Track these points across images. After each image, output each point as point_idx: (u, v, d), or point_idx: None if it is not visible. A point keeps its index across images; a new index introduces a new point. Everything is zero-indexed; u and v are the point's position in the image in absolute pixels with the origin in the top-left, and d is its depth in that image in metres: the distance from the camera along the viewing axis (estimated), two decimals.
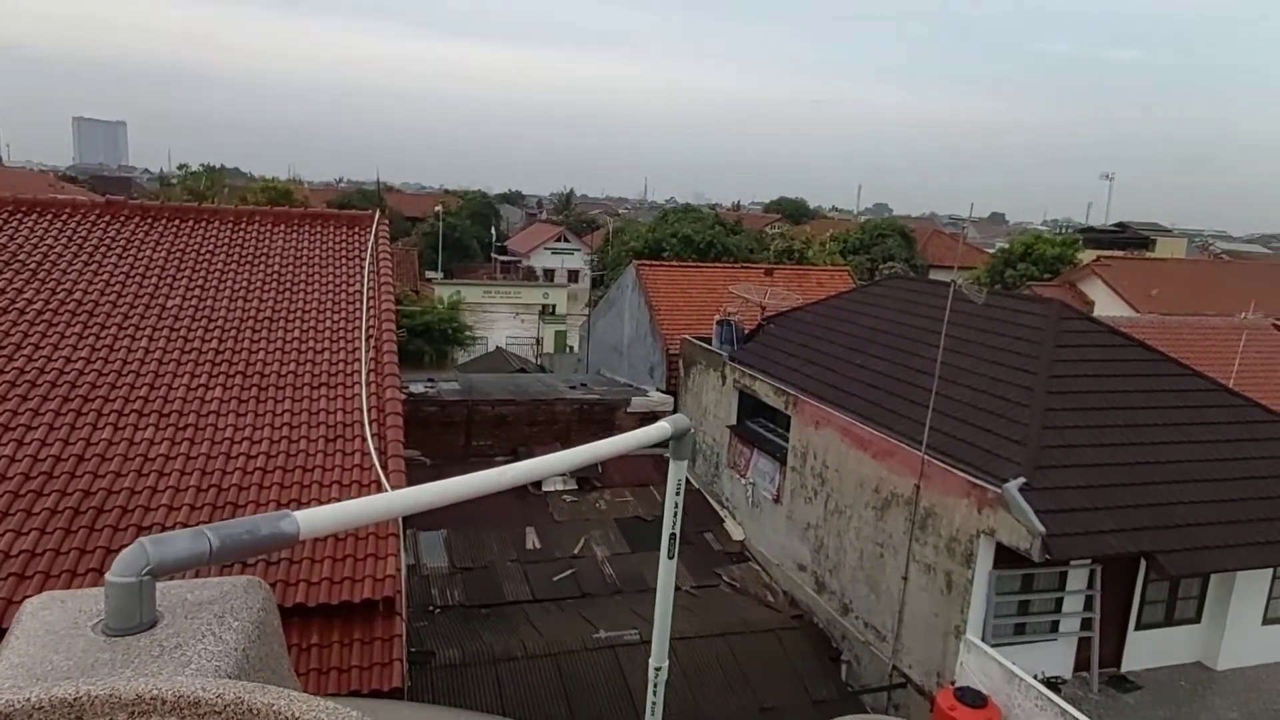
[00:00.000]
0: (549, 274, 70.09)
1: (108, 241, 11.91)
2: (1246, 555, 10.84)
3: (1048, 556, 9.77)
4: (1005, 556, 10.64)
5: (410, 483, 7.07)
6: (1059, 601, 11.60)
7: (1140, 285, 35.09)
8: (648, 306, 24.23)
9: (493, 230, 77.11)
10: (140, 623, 1.86)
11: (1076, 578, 11.51)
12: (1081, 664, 11.68)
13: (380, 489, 8.18)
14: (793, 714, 12.14)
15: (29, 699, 1.37)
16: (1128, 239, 58.19)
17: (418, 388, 19.63)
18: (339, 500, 7.64)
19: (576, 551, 15.91)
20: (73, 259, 11.29)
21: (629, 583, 14.98)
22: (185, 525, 7.42)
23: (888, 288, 17.77)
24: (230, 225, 13.12)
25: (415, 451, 16.95)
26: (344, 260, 12.80)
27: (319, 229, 13.58)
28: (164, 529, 7.40)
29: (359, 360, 10.38)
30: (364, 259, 12.77)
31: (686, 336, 20.30)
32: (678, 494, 4.29)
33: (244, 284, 11.66)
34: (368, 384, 9.94)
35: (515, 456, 18.20)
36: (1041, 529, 9.70)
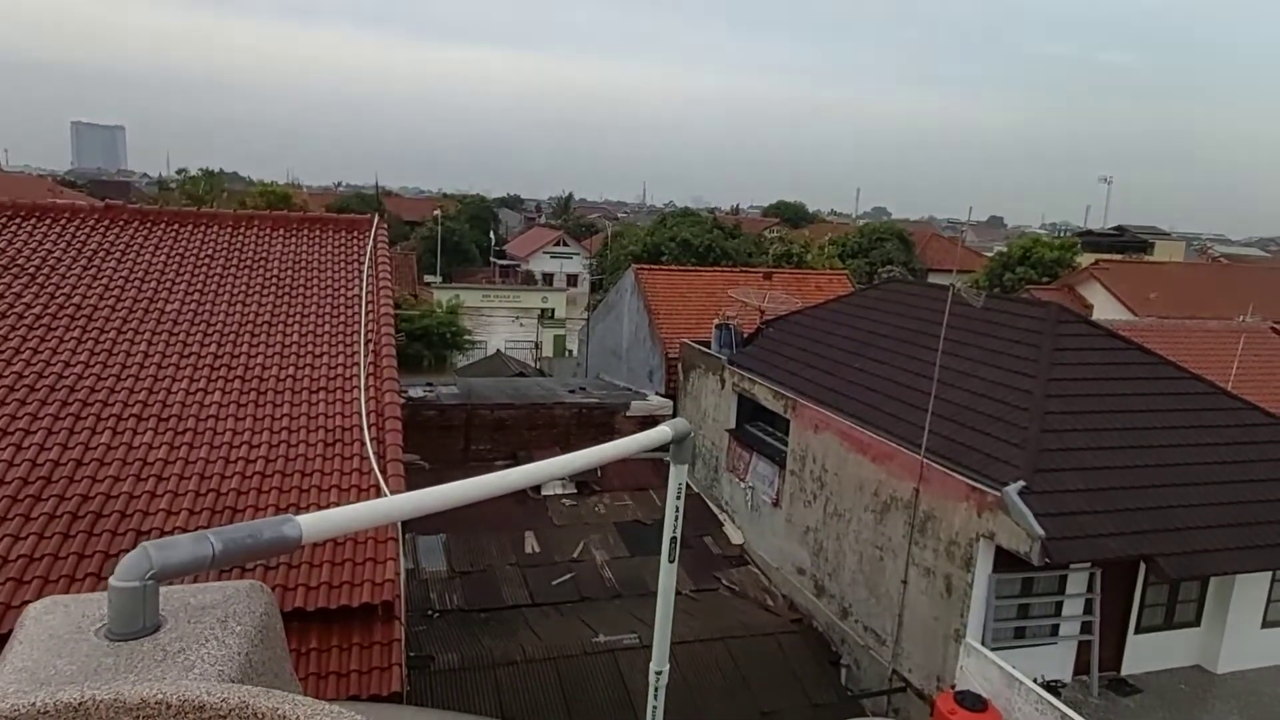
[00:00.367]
0: (548, 278, 70.14)
1: (106, 246, 11.91)
2: (1246, 558, 10.84)
3: (1047, 560, 9.77)
4: (1005, 560, 10.63)
5: (409, 487, 7.08)
6: (1059, 605, 11.60)
7: (1138, 288, 35.15)
8: (647, 310, 24.25)
9: (491, 234, 77.13)
10: (143, 627, 1.86)
11: (1076, 581, 11.51)
12: (1081, 667, 11.68)
13: (379, 493, 8.17)
14: (792, 718, 12.12)
15: (34, 704, 1.37)
16: (1126, 242, 58.34)
17: (417, 392, 19.62)
18: (338, 505, 7.64)
19: (576, 555, 15.89)
20: (71, 263, 11.29)
21: (628, 587, 14.96)
22: (184, 530, 7.41)
23: (886, 291, 17.79)
24: (229, 229, 13.12)
25: (414, 456, 16.93)
26: (342, 264, 12.81)
27: (317, 233, 13.59)
28: (163, 534, 7.39)
29: (358, 364, 10.38)
30: (362, 263, 12.78)
31: (685, 340, 20.30)
32: (678, 498, 4.29)
33: (243, 288, 11.66)
34: (367, 388, 9.94)
35: (514, 461, 18.19)
36: (1041, 532, 9.71)
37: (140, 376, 9.46)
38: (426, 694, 11.22)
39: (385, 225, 14.36)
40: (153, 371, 9.59)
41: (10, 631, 1.94)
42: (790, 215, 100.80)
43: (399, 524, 8.70)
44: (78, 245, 11.76)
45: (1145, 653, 12.02)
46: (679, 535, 4.36)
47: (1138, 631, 12.04)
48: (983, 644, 10.45)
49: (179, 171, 58.04)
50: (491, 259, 73.54)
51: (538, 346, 43.19)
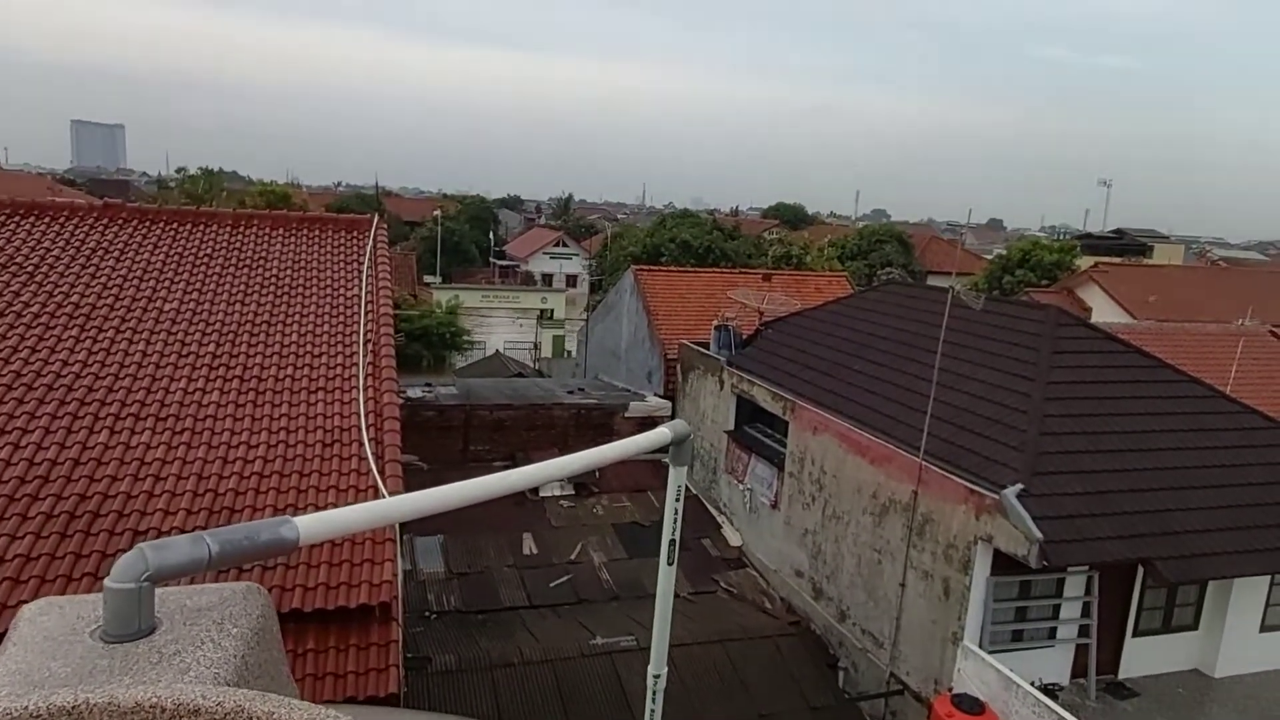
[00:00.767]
0: (547, 279, 70.13)
1: (105, 244, 11.90)
2: (1244, 562, 10.83)
3: (1045, 563, 9.77)
4: (1003, 563, 10.63)
5: (408, 488, 7.06)
6: (1056, 608, 11.59)
7: (1138, 292, 35.17)
8: (646, 311, 24.24)
9: (491, 235, 77.13)
10: (139, 629, 1.85)
11: (1074, 584, 11.51)
12: (1079, 671, 11.67)
13: (377, 494, 8.16)
14: None
15: (27, 707, 1.36)
16: (1125, 245, 58.36)
17: (415, 392, 19.61)
18: (336, 505, 7.63)
19: (574, 557, 15.88)
20: (70, 262, 11.27)
21: (626, 589, 14.94)
22: (181, 530, 7.40)
23: (886, 294, 17.79)
24: (228, 229, 13.11)
25: (413, 456, 16.92)
26: (342, 264, 12.80)
27: (317, 233, 13.58)
28: (160, 534, 7.38)
29: (357, 365, 10.37)
30: (362, 263, 12.77)
31: (684, 341, 20.30)
32: (677, 500, 4.28)
33: (242, 288, 11.65)
34: (365, 388, 9.93)
35: (513, 462, 18.18)
36: (1039, 535, 9.70)
37: (138, 375, 9.44)
38: (424, 695, 11.20)
39: (385, 225, 14.34)
40: (151, 371, 9.57)
41: (4, 633, 1.93)
42: (790, 217, 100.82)
43: (397, 525, 8.69)
44: (76, 244, 11.74)
45: (1143, 656, 12.01)
46: (678, 537, 4.35)
47: (1135, 635, 12.03)
48: (980, 647, 10.45)
49: (178, 170, 57.98)
50: (491, 259, 73.53)
51: (537, 347, 43.17)
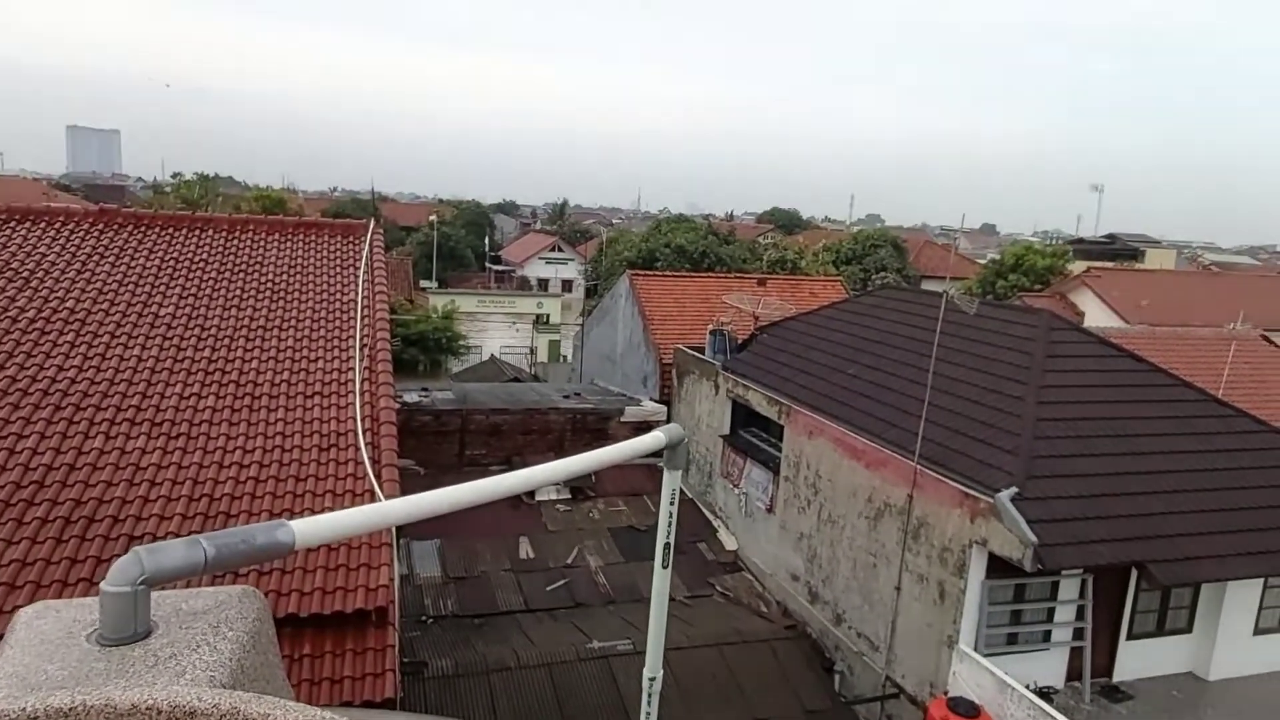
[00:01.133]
0: (543, 284, 70.12)
1: (100, 250, 11.89)
2: (1237, 565, 10.87)
3: (1040, 566, 9.80)
4: (997, 566, 10.65)
5: (404, 492, 7.07)
6: (1051, 611, 11.61)
7: (1130, 296, 35.31)
8: (641, 316, 24.27)
9: (487, 240, 77.17)
10: (135, 632, 1.86)
11: (1068, 587, 11.53)
12: (1074, 674, 11.69)
13: (374, 499, 8.17)
14: None
15: (24, 708, 1.37)
16: (1117, 250, 58.62)
17: (412, 397, 19.59)
18: (332, 510, 7.62)
19: (570, 561, 15.87)
20: (65, 267, 11.27)
21: (622, 592, 14.94)
22: (177, 535, 7.40)
23: (880, 298, 17.85)
24: (224, 234, 13.11)
25: (409, 461, 16.92)
26: (338, 269, 12.81)
27: (313, 238, 13.59)
28: (155, 539, 7.37)
29: (353, 369, 10.38)
30: (358, 268, 12.77)
31: (680, 346, 20.33)
32: (672, 503, 4.30)
33: (237, 293, 11.65)
34: (362, 393, 9.93)
35: (509, 466, 18.18)
36: (1033, 539, 9.73)
37: (133, 381, 9.44)
38: (420, 700, 11.19)
39: (381, 230, 14.36)
40: (146, 376, 9.57)
41: (1, 636, 1.94)
42: (785, 222, 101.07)
43: (393, 529, 8.69)
44: (71, 249, 11.73)
45: (1137, 659, 12.04)
46: (673, 541, 4.37)
47: (1130, 638, 12.06)
48: (975, 650, 10.48)
49: (174, 175, 58.03)
50: (487, 264, 73.54)
51: (533, 352, 43.18)
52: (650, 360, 23.34)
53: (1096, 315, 34.17)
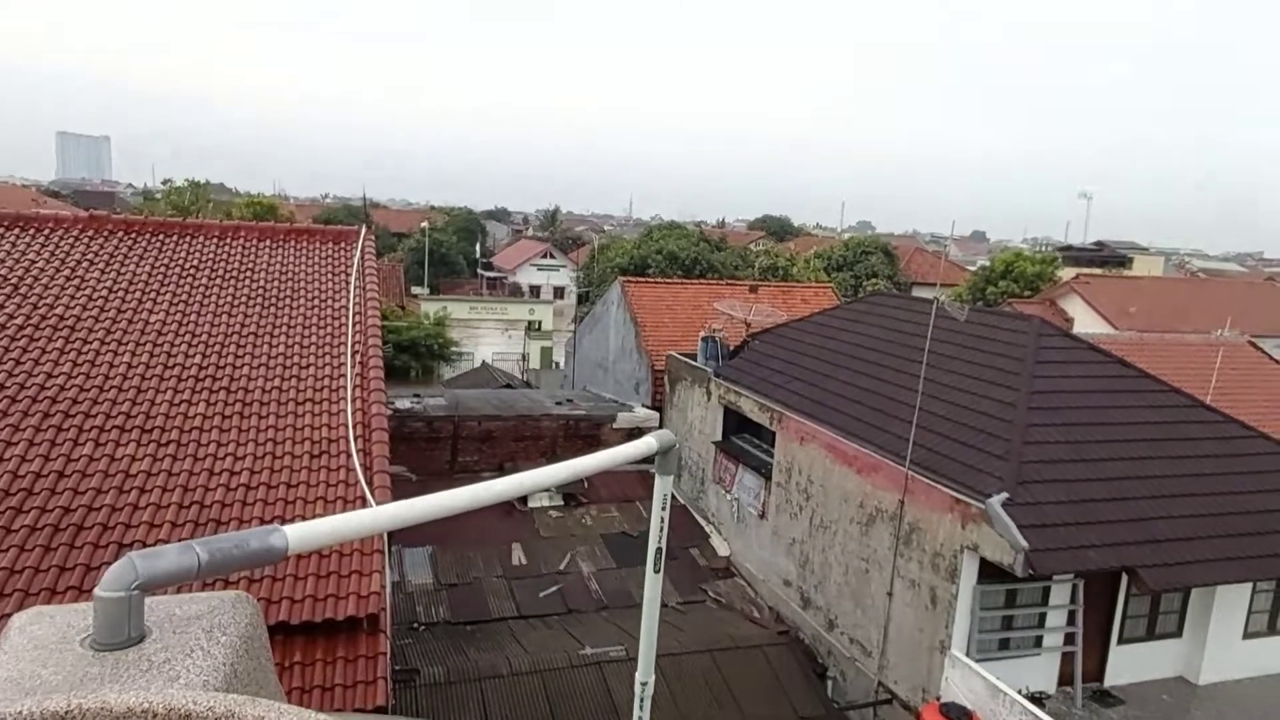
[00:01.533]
0: (535, 290, 70.12)
1: (90, 256, 11.84)
2: (1225, 570, 10.95)
3: (1031, 571, 9.85)
4: (989, 571, 10.70)
5: (396, 499, 7.05)
6: (1042, 616, 11.66)
7: (1118, 302, 35.58)
8: (633, 323, 24.29)
9: (479, 246, 77.12)
10: (129, 637, 1.86)
11: (1059, 592, 11.59)
12: (1065, 679, 11.74)
13: (365, 505, 8.14)
14: None
15: (20, 712, 1.37)
16: (1106, 257, 59.09)
17: (404, 403, 19.55)
18: (324, 516, 7.58)
19: (562, 567, 15.85)
20: (55, 274, 11.21)
21: (615, 598, 14.93)
22: (167, 542, 7.35)
23: (871, 304, 17.93)
24: (214, 240, 13.08)
25: (401, 468, 16.88)
26: (329, 276, 12.78)
27: (304, 244, 13.56)
28: (145, 546, 7.32)
29: (344, 376, 10.35)
30: (349, 275, 12.76)
31: (672, 353, 20.37)
32: (664, 509, 4.31)
33: (228, 299, 11.62)
34: (353, 399, 9.91)
35: (501, 472, 18.14)
36: (1024, 544, 9.78)
37: (124, 388, 9.39)
38: (412, 708, 11.14)
39: (372, 237, 14.35)
40: (136, 383, 9.52)
41: None
42: (776, 229, 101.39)
43: (385, 536, 8.66)
44: (61, 256, 11.68)
45: (1128, 664, 12.10)
46: (664, 547, 4.38)
47: (1120, 642, 12.13)
48: (967, 655, 10.51)
49: (164, 182, 57.71)
50: (479, 271, 73.51)
51: (525, 358, 43.15)
52: (642, 367, 23.35)
53: (1085, 321, 34.40)
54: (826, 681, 13.33)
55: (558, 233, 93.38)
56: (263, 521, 7.92)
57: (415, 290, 54.88)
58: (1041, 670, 11.64)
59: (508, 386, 29.21)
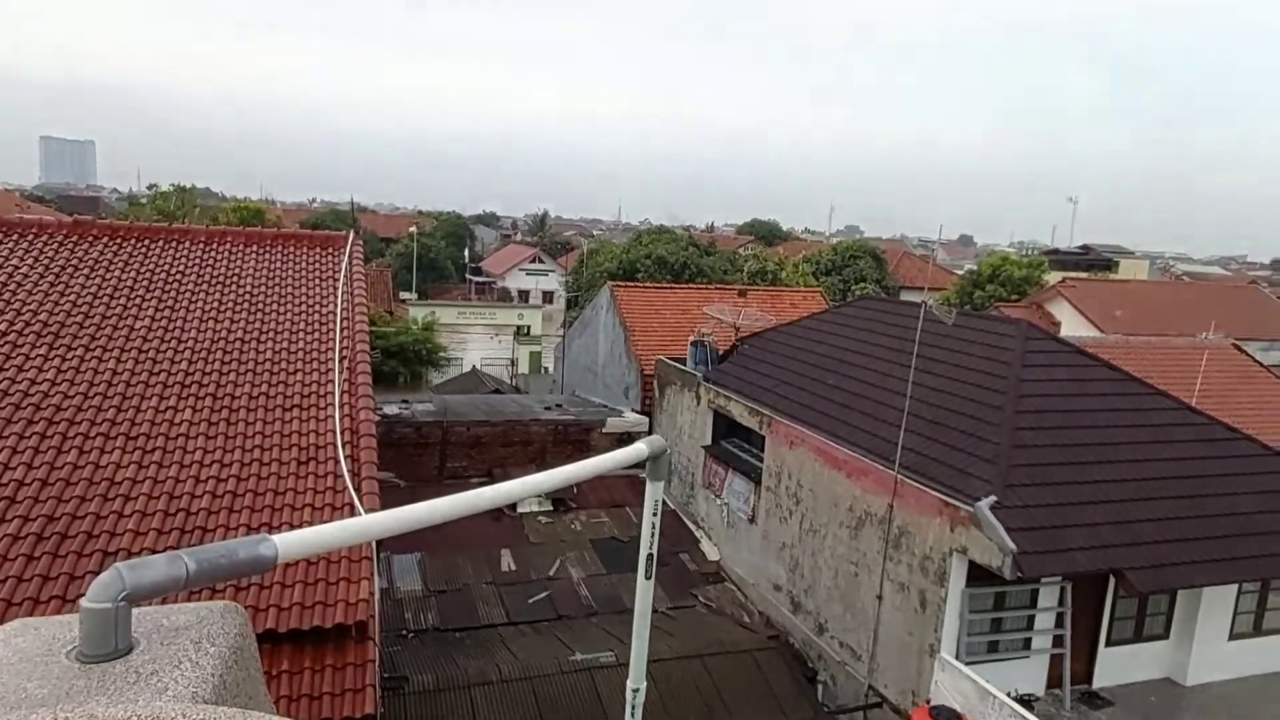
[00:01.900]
0: (524, 295, 70.00)
1: (75, 262, 11.74)
2: (1212, 571, 11.04)
3: (1019, 574, 9.89)
4: (978, 574, 10.74)
5: (384, 505, 7.02)
6: (1031, 619, 11.72)
7: (1105, 306, 35.85)
8: (622, 327, 24.29)
9: (467, 251, 76.96)
10: (116, 649, 1.84)
11: (1048, 595, 11.65)
12: (1054, 681, 11.79)
13: (353, 512, 8.10)
14: None
15: None
16: (1092, 261, 59.54)
17: (392, 409, 19.47)
18: (311, 524, 7.55)
19: (552, 573, 15.81)
20: (39, 280, 11.11)
21: (605, 604, 14.90)
22: (153, 551, 7.29)
23: (860, 308, 18.00)
24: (201, 245, 12.99)
25: (389, 474, 16.79)
26: (317, 281, 12.72)
27: (291, 249, 13.49)
28: (130, 555, 7.26)
29: (332, 382, 10.30)
30: (337, 280, 12.70)
31: (661, 357, 20.37)
32: (654, 514, 4.30)
33: (214, 305, 11.54)
34: (341, 405, 9.86)
35: (490, 478, 18.08)
36: (1013, 547, 9.83)
37: (108, 394, 9.31)
38: (401, 716, 11.08)
39: (360, 241, 14.29)
40: (121, 389, 9.44)
41: None
42: (764, 233, 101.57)
43: (373, 543, 8.61)
44: (45, 261, 11.57)
45: (1116, 665, 12.17)
46: (655, 552, 4.37)
47: (1108, 645, 12.20)
48: (957, 658, 10.54)
49: (150, 187, 57.36)
50: (467, 276, 73.34)
51: (514, 363, 43.05)
52: (631, 371, 23.35)
53: (1072, 325, 34.64)
54: (817, 686, 13.34)
55: (546, 237, 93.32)
56: (250, 529, 7.86)
57: (403, 295, 54.70)
58: (1031, 673, 11.69)
59: (497, 392, 29.14)
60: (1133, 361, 17.67)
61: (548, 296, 68.48)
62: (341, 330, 11.40)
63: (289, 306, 11.87)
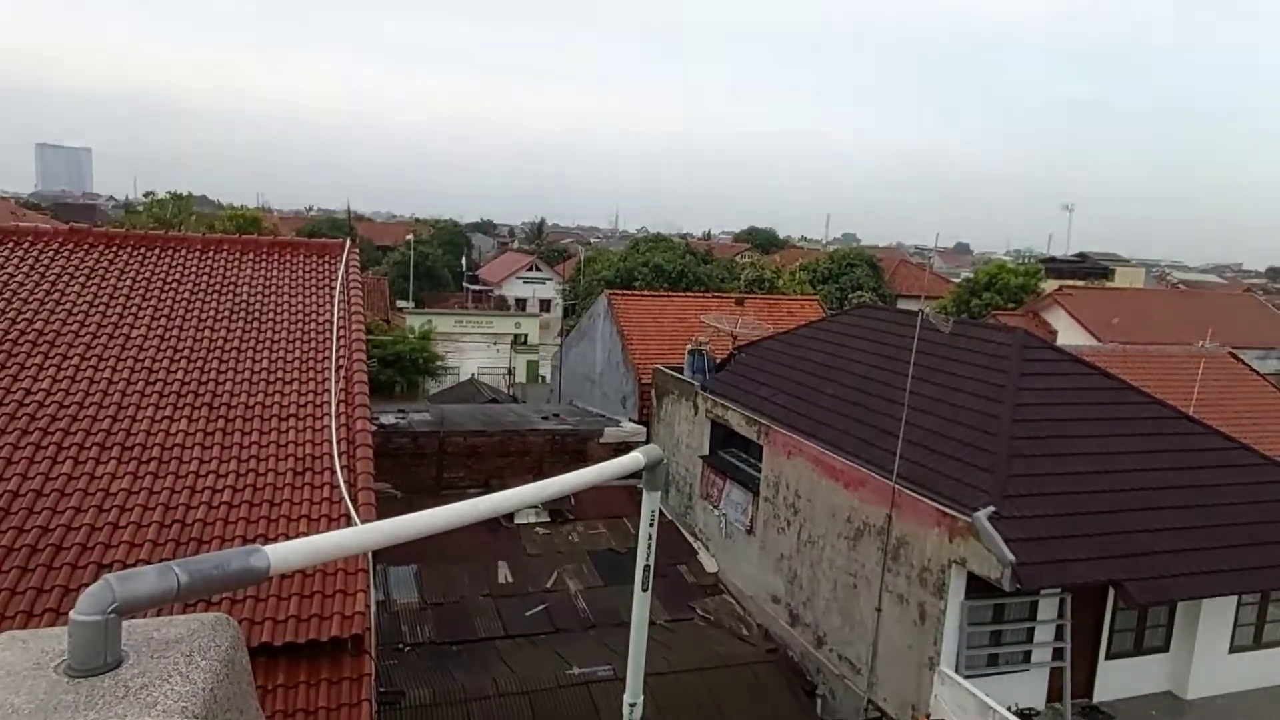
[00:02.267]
0: (521, 303, 70.06)
1: (70, 270, 11.70)
2: (1211, 583, 11.00)
3: (1018, 585, 9.85)
4: (977, 586, 10.69)
5: (381, 516, 6.97)
6: (1030, 632, 11.65)
7: (1101, 314, 35.93)
8: (620, 336, 24.27)
9: (464, 259, 77.03)
10: (105, 663, 1.80)
11: (1047, 607, 11.59)
12: (1054, 694, 11.71)
13: (350, 523, 8.04)
14: None
15: None
16: (1088, 269, 59.74)
17: (388, 419, 19.42)
18: (307, 535, 7.50)
19: (549, 585, 15.72)
20: (34, 288, 11.06)
21: (603, 617, 14.81)
22: (148, 563, 7.23)
23: (857, 317, 18.00)
24: (197, 253, 12.96)
25: (386, 484, 16.72)
26: (313, 289, 12.69)
27: (288, 257, 13.47)
28: (125, 566, 7.20)
29: (328, 391, 10.25)
30: (334, 288, 12.67)
31: (658, 366, 20.35)
32: (652, 525, 4.27)
33: (210, 313, 11.50)
34: (337, 415, 9.81)
35: (487, 488, 18.01)
36: (1011, 558, 9.78)
37: (104, 404, 9.25)
38: None
39: (357, 250, 14.27)
40: (117, 399, 9.38)
41: None
42: (761, 241, 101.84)
43: (369, 555, 8.55)
44: (40, 269, 11.53)
45: (1116, 679, 12.11)
46: (652, 563, 4.33)
47: (1108, 657, 12.13)
48: (956, 671, 10.48)
49: (146, 194, 57.41)
50: (464, 284, 73.37)
51: (511, 372, 43.00)
52: (629, 380, 23.32)
53: (1069, 333, 34.70)
54: (816, 699, 13.25)
55: (544, 245, 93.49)
56: (245, 540, 7.80)
57: (400, 304, 54.69)
58: (1031, 686, 11.62)
59: (494, 401, 29.08)
60: (1130, 370, 17.68)
61: (545, 305, 68.55)
62: (338, 339, 11.36)
63: (285, 315, 11.83)
